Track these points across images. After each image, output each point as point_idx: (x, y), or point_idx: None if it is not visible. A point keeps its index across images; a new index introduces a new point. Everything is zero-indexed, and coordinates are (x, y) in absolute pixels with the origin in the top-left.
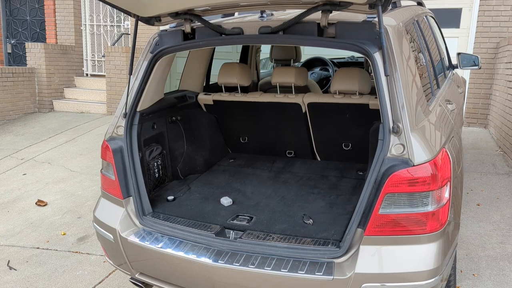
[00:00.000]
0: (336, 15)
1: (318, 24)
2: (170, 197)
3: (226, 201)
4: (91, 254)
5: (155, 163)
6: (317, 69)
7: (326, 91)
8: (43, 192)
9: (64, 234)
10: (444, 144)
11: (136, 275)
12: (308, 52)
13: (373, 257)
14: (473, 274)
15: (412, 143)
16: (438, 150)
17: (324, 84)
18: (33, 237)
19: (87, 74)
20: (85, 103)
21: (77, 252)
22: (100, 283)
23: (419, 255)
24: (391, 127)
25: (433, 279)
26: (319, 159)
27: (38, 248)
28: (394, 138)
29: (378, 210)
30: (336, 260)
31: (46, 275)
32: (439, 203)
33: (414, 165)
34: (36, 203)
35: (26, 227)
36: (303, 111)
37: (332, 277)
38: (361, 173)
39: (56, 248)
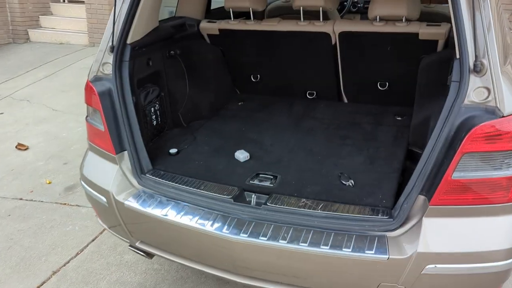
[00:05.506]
0: None
1: None
2: (173, 150)
3: (241, 155)
4: (81, 206)
5: (152, 108)
6: None
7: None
8: (23, 134)
9: (49, 182)
10: None
11: (136, 244)
12: None
13: (440, 232)
14: None
15: (502, 86)
16: None
17: (339, 9)
18: (15, 186)
19: (64, 0)
20: (63, 32)
21: (65, 204)
22: (93, 240)
23: (496, 229)
24: (471, 64)
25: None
26: (346, 100)
27: (21, 199)
28: (475, 79)
29: (451, 174)
30: (389, 234)
31: (32, 231)
32: None
33: (503, 116)
34: (16, 147)
35: (6, 175)
36: (333, 42)
37: (387, 256)
38: (399, 119)
39: (41, 199)
